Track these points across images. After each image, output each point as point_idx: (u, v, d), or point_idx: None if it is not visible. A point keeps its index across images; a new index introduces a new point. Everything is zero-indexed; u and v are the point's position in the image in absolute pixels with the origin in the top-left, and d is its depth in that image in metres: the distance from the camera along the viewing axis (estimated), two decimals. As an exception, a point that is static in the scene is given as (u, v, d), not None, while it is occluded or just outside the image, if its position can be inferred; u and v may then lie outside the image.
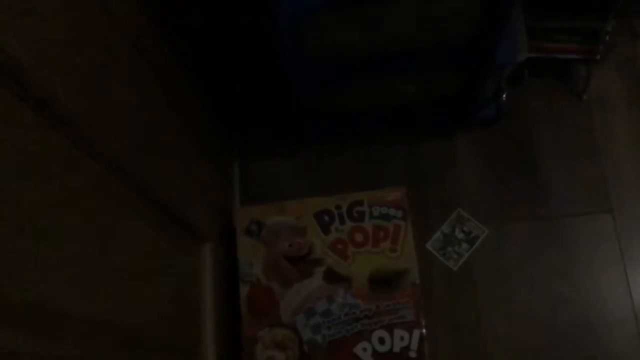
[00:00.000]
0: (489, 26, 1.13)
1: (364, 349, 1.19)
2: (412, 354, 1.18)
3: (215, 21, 1.41)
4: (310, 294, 1.22)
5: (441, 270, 1.43)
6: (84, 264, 0.67)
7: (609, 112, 1.56)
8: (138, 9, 0.87)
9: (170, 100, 1.03)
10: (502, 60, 1.26)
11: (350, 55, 1.19)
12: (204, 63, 1.33)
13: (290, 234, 1.26)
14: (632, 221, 1.47)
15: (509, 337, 1.39)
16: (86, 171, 0.69)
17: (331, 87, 1.31)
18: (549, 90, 1.57)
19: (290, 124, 1.46)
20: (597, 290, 1.42)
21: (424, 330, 1.19)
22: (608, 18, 1.37)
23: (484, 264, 1.44)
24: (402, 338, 1.19)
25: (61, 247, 0.62)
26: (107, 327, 0.72)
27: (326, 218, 1.27)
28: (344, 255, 1.25)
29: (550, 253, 1.45)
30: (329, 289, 1.22)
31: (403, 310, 1.21)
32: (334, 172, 1.52)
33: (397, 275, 1.23)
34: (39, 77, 0.56)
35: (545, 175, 1.51)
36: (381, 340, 1.19)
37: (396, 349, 1.18)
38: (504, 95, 1.44)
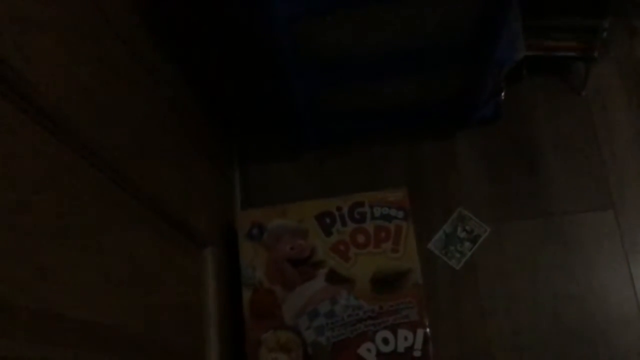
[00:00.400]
0: (488, 26, 1.13)
1: (368, 350, 1.19)
2: (417, 354, 1.18)
3: (214, 24, 1.41)
4: (313, 296, 1.22)
5: (444, 270, 1.43)
6: (86, 270, 0.67)
7: (608, 109, 1.56)
8: (136, 16, 0.87)
9: (171, 105, 1.03)
10: (500, 58, 1.27)
11: (349, 57, 1.19)
12: (203, 67, 1.34)
13: (292, 236, 1.26)
14: (634, 217, 1.47)
15: (512, 335, 1.39)
16: (87, 178, 0.70)
17: (331, 89, 1.31)
18: (548, 87, 1.57)
19: (290, 126, 1.46)
20: (601, 286, 1.42)
21: (427, 330, 1.19)
22: (606, 15, 1.37)
23: (487, 263, 1.44)
24: (406, 338, 1.19)
25: (62, 253, 0.62)
26: (109, 333, 0.72)
27: (327, 220, 1.27)
28: (346, 256, 1.25)
29: (552, 250, 1.45)
30: (331, 290, 1.23)
31: (406, 310, 1.21)
32: (334, 174, 1.52)
33: (400, 275, 1.23)
34: (37, 87, 0.57)
35: (546, 172, 1.51)
36: (385, 341, 1.19)
37: (400, 349, 1.18)
38: (503, 94, 1.44)
